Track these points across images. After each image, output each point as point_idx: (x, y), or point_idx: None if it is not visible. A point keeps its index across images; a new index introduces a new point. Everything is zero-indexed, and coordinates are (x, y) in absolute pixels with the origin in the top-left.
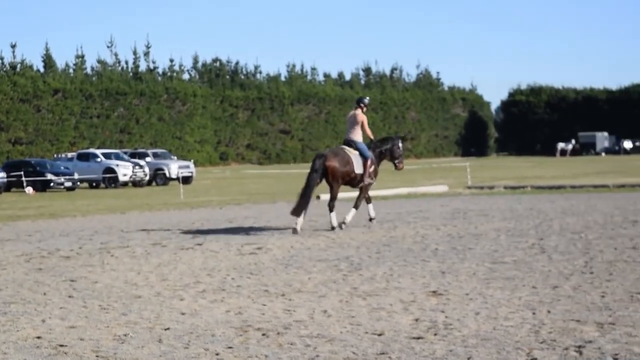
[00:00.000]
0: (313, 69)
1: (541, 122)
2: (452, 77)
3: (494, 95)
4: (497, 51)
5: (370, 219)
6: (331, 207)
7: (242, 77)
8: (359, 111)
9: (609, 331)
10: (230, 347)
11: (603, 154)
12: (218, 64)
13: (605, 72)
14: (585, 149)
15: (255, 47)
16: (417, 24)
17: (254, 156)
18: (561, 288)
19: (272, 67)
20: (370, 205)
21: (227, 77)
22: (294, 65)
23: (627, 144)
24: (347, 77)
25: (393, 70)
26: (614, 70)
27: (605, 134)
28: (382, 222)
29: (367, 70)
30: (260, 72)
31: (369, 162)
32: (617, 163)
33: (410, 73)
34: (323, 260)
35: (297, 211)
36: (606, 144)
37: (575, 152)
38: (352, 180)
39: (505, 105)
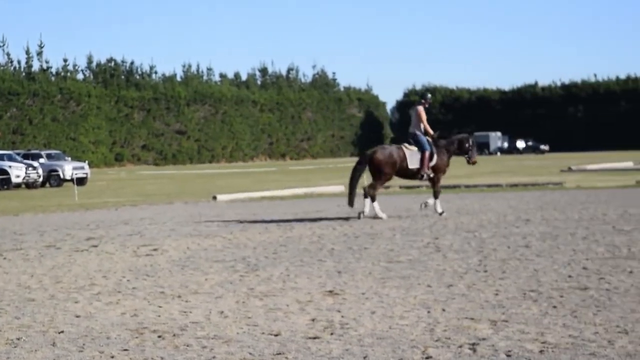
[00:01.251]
0: (209, 69)
1: (436, 122)
2: (348, 77)
3: (390, 96)
4: (393, 52)
5: (440, 213)
6: (370, 195)
7: (138, 77)
8: (420, 107)
9: (502, 328)
10: (125, 350)
11: (497, 153)
12: (113, 63)
13: (498, 73)
14: (479, 148)
15: (150, 47)
16: (314, 24)
17: (150, 157)
18: (455, 286)
19: (168, 67)
20: (437, 201)
21: (122, 77)
22: (189, 65)
23: (520, 144)
24: (244, 77)
25: (289, 70)
26: (507, 71)
27: (499, 134)
28: (278, 223)
29: (264, 71)
30: (156, 72)
31: (427, 155)
32: (510, 163)
33: (306, 73)
34: (220, 261)
35: (350, 202)
36: (499, 143)
37: None
38: (408, 173)
39: (400, 106)
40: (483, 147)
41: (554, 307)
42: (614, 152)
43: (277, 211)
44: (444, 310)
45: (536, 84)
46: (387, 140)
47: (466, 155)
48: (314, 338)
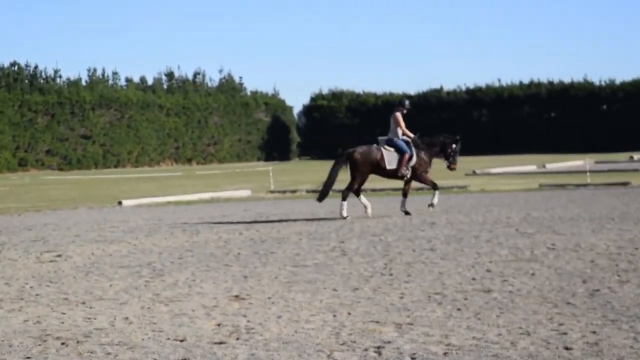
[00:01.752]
0: (115, 73)
1: (342, 126)
2: (255, 82)
3: (297, 100)
4: (299, 56)
5: (407, 213)
6: (344, 196)
7: (42, 81)
8: (397, 113)
9: (407, 331)
10: (28, 357)
11: None
12: (16, 67)
13: (404, 77)
14: None
15: (54, 51)
16: (220, 28)
17: (54, 162)
18: (361, 290)
19: (73, 71)
20: (406, 200)
21: (26, 81)
22: (95, 70)
23: None
24: (150, 81)
25: (196, 74)
26: (413, 76)
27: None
28: (184, 228)
29: (170, 75)
30: (60, 77)
31: (406, 157)
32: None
33: (213, 78)
34: (125, 267)
35: (321, 197)
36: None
37: None
38: (386, 173)
39: (307, 110)
40: None
41: (458, 309)
42: (518, 156)
43: (183, 216)
44: (349, 313)
45: (441, 88)
46: (293, 144)
47: (447, 161)
48: (220, 343)
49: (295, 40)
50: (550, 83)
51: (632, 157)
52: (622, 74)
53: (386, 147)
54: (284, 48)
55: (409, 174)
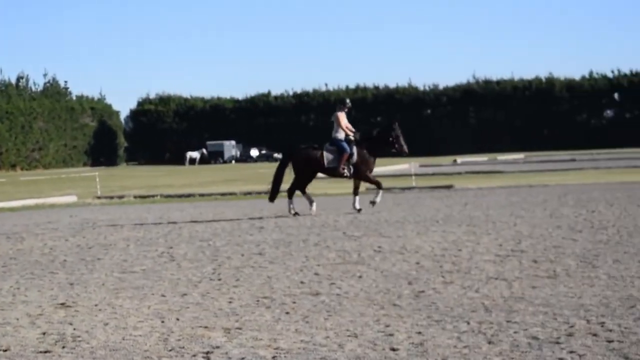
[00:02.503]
0: None
1: (170, 131)
2: (80, 86)
3: (124, 105)
4: (126, 60)
5: (359, 210)
6: (289, 194)
7: None
8: (339, 112)
9: (236, 336)
10: None
11: (232, 162)
12: None
13: (232, 82)
14: (214, 157)
15: None
16: (44, 31)
17: None
18: (190, 295)
19: None
20: (357, 197)
21: None
22: None
23: (254, 152)
24: None
25: (19, 79)
26: (241, 81)
27: (233, 142)
28: (8, 235)
29: None
30: None
31: (345, 156)
32: (245, 171)
33: (37, 82)
34: None
35: (272, 197)
36: (234, 152)
37: (204, 161)
38: (328, 171)
39: (134, 115)
40: (217, 156)
41: (287, 313)
42: None
43: (7, 223)
44: (178, 319)
45: (269, 93)
46: (121, 149)
47: (394, 149)
48: (45, 352)
49: (121, 44)
50: (376, 88)
51: (455, 161)
52: (445, 79)
53: (328, 146)
54: (109, 52)
55: (347, 172)
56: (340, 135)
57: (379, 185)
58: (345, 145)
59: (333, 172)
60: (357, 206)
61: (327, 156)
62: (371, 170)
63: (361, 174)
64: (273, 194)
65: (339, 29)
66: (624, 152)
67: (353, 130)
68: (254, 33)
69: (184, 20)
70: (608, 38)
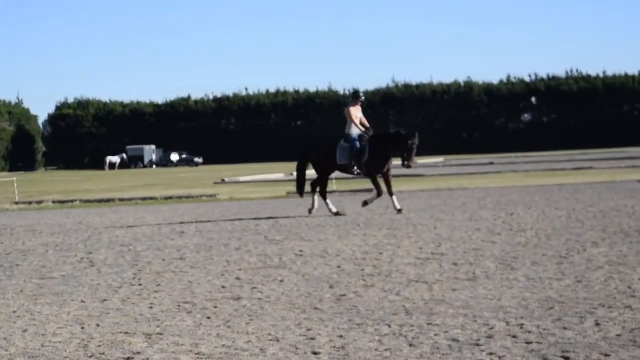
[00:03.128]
0: None
1: (89, 135)
2: None
3: (42, 109)
4: (44, 65)
5: (399, 211)
6: (315, 192)
7: None
8: (350, 107)
9: (157, 341)
10: None
11: (152, 166)
12: None
13: (152, 86)
14: (134, 162)
15: None
16: None
17: None
18: (110, 301)
19: None
20: (394, 198)
21: None
22: None
23: (175, 157)
24: None
25: None
26: (161, 85)
27: (153, 147)
28: None
29: None
30: None
31: (354, 153)
32: (165, 175)
33: None
34: None
35: (299, 192)
36: (154, 157)
37: (124, 166)
38: (341, 168)
39: (52, 119)
40: (137, 160)
41: (208, 318)
42: (267, 164)
43: None
44: (98, 325)
45: (189, 97)
46: (39, 154)
47: (402, 157)
48: None
49: (39, 47)
50: (297, 92)
51: None
52: (365, 84)
53: (342, 143)
54: (27, 55)
55: (356, 170)
56: (353, 131)
57: (379, 191)
58: (356, 142)
59: (345, 170)
60: (397, 206)
61: (339, 153)
62: (384, 170)
63: (370, 174)
64: (299, 189)
65: (258, 33)
66: (541, 155)
67: (367, 126)
68: (173, 37)
69: (102, 23)
70: (525, 42)
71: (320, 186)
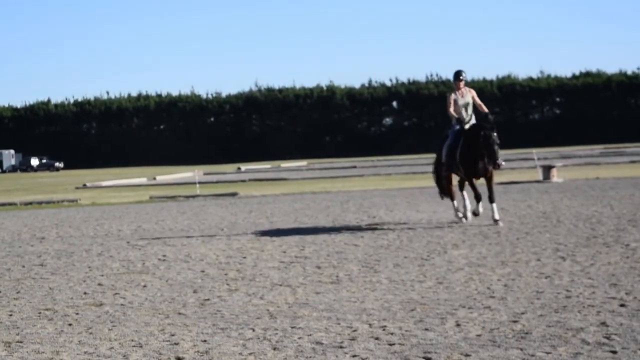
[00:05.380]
0: None
1: None
2: None
3: None
4: None
5: (496, 221)
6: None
7: None
8: (449, 94)
9: (17, 349)
10: None
11: (14, 171)
12: None
13: (8, 89)
14: None
15: None
16: None
17: None
18: None
19: None
20: (494, 205)
21: None
22: None
23: (35, 161)
24: None
25: None
26: (17, 87)
27: (12, 151)
28: None
29: None
30: None
31: (444, 150)
32: (25, 181)
33: None
34: None
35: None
36: (14, 161)
37: None
38: (448, 170)
39: None
40: None
41: (70, 324)
42: (128, 169)
43: None
44: None
45: (49, 100)
46: None
47: (484, 155)
48: None
49: None
50: (159, 95)
51: (239, 168)
52: (228, 87)
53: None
54: None
55: (447, 171)
56: (453, 122)
57: (475, 195)
58: (451, 136)
59: (451, 170)
60: (496, 216)
61: (444, 149)
62: (479, 171)
63: (470, 175)
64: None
65: (116, 35)
66: (403, 158)
67: (455, 115)
68: (31, 40)
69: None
70: (385, 47)
71: (461, 183)
